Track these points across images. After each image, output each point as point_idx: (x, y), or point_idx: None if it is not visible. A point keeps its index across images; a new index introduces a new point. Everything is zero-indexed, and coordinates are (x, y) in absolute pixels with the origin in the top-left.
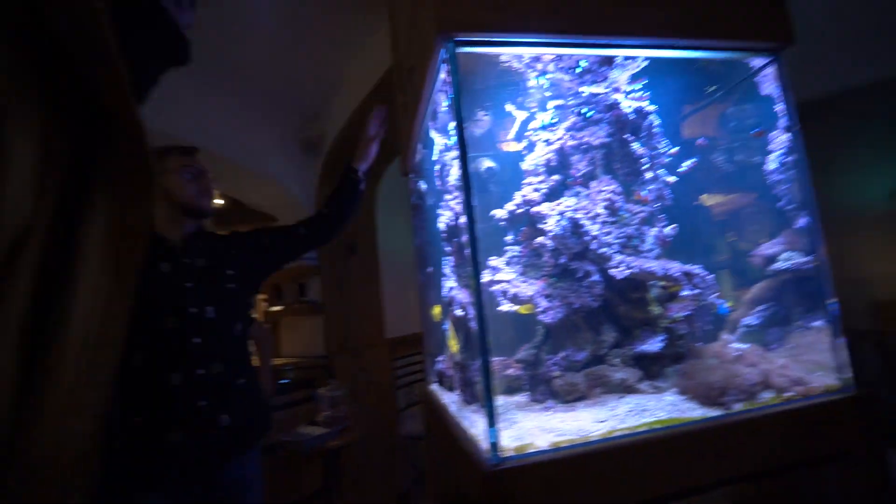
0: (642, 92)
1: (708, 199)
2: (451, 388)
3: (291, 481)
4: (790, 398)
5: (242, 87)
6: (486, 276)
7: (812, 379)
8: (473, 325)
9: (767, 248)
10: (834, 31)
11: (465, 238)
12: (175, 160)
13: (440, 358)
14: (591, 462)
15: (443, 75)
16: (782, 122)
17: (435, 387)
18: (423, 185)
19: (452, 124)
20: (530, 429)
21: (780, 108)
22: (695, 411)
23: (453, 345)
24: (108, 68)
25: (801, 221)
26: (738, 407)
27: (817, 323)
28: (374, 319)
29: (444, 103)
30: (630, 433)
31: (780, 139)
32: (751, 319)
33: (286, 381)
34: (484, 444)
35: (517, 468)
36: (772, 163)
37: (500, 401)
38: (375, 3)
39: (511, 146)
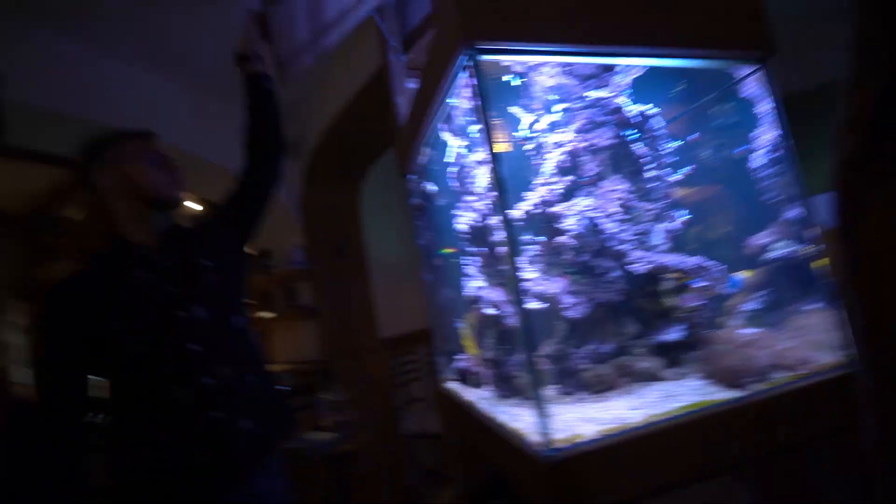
0: (633, 95)
1: (680, 192)
2: (477, 385)
3: (301, 489)
4: (798, 376)
5: (213, 83)
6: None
7: (816, 357)
8: (511, 321)
9: (760, 238)
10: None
11: (495, 238)
12: (133, 146)
13: (461, 356)
14: (637, 446)
15: (462, 80)
16: (765, 120)
17: (454, 385)
18: (430, 187)
19: (475, 127)
20: (571, 420)
21: (763, 108)
22: (718, 394)
23: (469, 344)
24: None
25: (793, 212)
26: (755, 387)
27: (813, 305)
28: (369, 320)
29: (461, 107)
30: (667, 418)
31: (764, 137)
32: (750, 305)
33: (285, 387)
34: (533, 437)
35: (572, 458)
36: (758, 159)
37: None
38: None
39: (503, 146)
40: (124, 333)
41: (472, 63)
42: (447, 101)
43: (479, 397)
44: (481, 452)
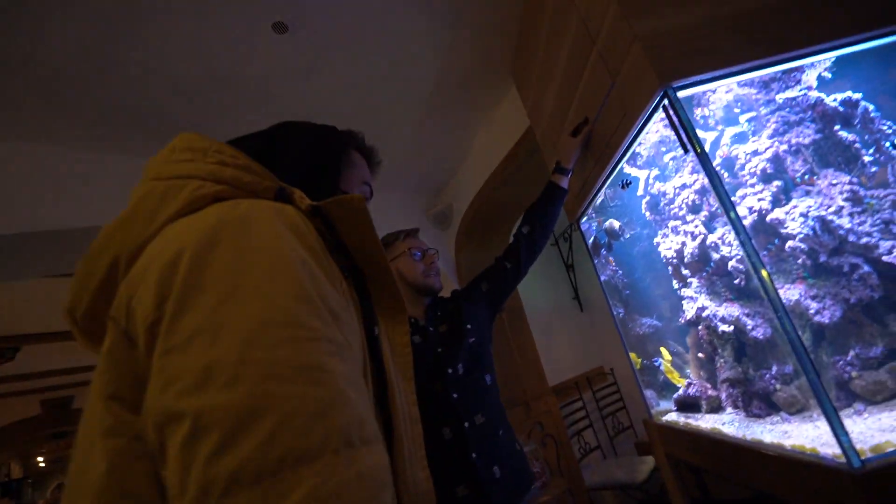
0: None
1: None
2: (713, 410)
3: None
4: None
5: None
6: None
7: None
8: (755, 334)
9: None
10: None
11: (722, 256)
12: (402, 244)
13: (691, 382)
14: None
15: (654, 119)
16: None
17: (674, 416)
18: (614, 223)
19: (669, 156)
20: (862, 430)
21: None
22: None
23: (675, 377)
24: (379, 262)
25: None
26: None
27: None
28: (535, 370)
29: (650, 141)
30: None
31: None
32: None
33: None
34: (827, 450)
35: (886, 467)
36: None
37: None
38: (496, 78)
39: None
40: None
41: (669, 99)
42: (635, 140)
43: (720, 422)
44: (737, 477)
